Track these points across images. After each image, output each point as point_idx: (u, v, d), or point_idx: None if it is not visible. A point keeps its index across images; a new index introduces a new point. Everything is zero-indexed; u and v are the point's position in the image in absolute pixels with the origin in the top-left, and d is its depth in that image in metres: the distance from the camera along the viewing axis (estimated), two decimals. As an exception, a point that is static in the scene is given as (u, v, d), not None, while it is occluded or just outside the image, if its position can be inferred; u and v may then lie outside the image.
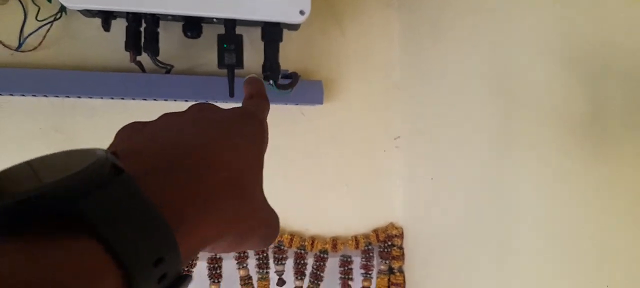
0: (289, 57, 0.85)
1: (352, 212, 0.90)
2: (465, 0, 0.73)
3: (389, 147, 0.91)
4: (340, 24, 0.90)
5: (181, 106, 0.29)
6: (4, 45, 0.79)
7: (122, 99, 0.81)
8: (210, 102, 0.29)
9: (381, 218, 0.90)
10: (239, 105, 0.31)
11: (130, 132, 0.25)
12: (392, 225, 0.90)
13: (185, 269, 0.77)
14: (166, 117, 0.27)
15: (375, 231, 0.89)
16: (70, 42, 0.81)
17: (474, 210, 0.69)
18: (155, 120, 0.26)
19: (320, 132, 0.89)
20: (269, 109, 0.33)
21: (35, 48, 0.80)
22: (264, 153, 0.29)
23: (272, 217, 0.28)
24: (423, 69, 0.84)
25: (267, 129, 0.31)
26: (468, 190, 0.70)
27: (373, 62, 0.91)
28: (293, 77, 0.80)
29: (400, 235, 0.89)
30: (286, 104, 0.86)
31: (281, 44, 0.78)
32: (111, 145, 0.24)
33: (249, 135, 0.27)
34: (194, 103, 0.29)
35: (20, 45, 0.79)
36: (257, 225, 0.25)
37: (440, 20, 0.79)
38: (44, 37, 0.79)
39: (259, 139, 0.28)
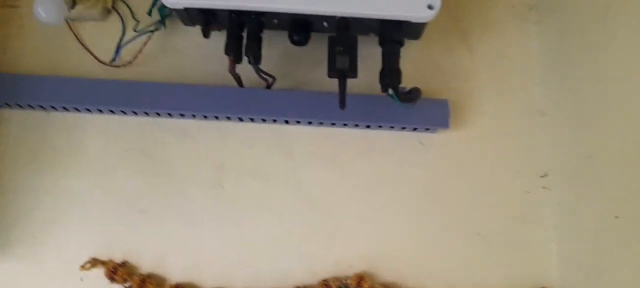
0: (407, 74, 0.71)
1: (487, 269, 0.69)
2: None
3: (533, 187, 0.71)
4: (467, 40, 0.76)
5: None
6: (98, 60, 0.74)
7: (216, 118, 0.71)
8: None
9: (528, 279, 0.68)
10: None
11: None
12: (543, 291, 0.68)
13: None
14: None
15: (521, 296, 0.67)
16: (166, 57, 0.74)
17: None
18: None
19: (443, 166, 0.72)
20: None
21: (129, 62, 0.74)
22: None
23: None
24: (577, 87, 0.66)
25: None
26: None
27: (509, 84, 0.74)
28: (414, 91, 0.66)
29: (556, 305, 0.66)
30: (402, 129, 0.72)
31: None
32: None
33: None
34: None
35: (114, 57, 0.74)
36: None
37: (595, 29, 0.62)
38: (140, 50, 0.73)
39: None
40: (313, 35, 0.67)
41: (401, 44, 0.65)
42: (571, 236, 0.66)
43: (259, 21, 0.65)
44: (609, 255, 0.59)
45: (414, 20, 0.62)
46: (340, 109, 0.62)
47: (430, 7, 0.61)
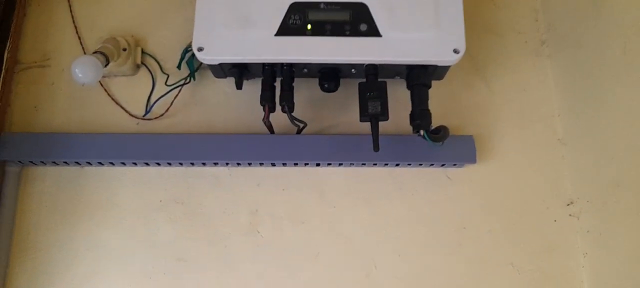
0: (432, 112, 0.74)
1: (522, 299, 0.71)
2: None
3: (560, 216, 0.73)
4: (484, 77, 0.79)
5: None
6: (129, 114, 0.76)
7: (249, 164, 0.73)
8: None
9: (562, 307, 0.70)
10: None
11: None
12: (578, 317, 0.70)
13: None
14: None
15: (557, 324, 0.69)
16: (197, 109, 0.76)
17: None
18: None
19: (471, 199, 0.74)
20: None
21: (161, 115, 0.76)
22: None
23: None
24: (596, 117, 0.69)
25: None
26: None
27: (528, 116, 0.77)
28: (442, 130, 0.69)
29: (592, 331, 0.68)
30: (430, 165, 0.74)
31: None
32: None
33: None
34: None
35: (147, 111, 0.75)
36: None
37: (613, 61, 0.66)
38: (171, 104, 0.75)
39: None
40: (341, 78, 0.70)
41: (429, 86, 0.67)
42: (601, 263, 0.68)
43: (290, 71, 0.68)
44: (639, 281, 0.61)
45: (440, 64, 0.65)
46: (374, 151, 0.64)
47: (455, 51, 0.64)
